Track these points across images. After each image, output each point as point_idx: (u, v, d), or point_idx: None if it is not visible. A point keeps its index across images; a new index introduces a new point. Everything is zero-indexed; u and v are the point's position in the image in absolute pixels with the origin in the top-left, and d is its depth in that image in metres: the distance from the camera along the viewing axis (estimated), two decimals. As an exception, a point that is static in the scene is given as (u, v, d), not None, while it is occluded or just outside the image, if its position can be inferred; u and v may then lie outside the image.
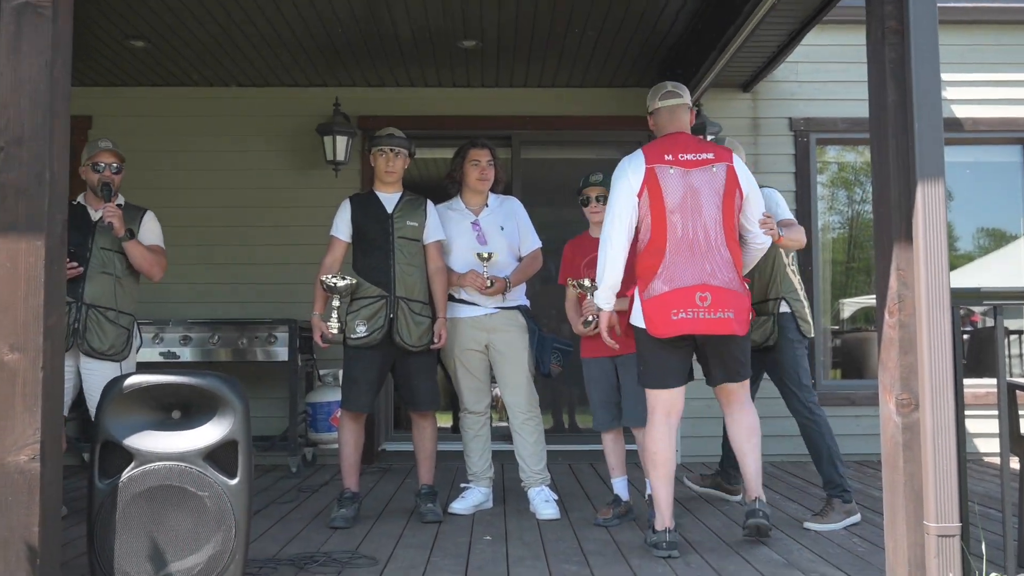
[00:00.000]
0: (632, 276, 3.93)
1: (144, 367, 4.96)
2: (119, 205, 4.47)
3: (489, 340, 4.69)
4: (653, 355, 3.88)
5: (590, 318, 4.35)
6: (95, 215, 4.42)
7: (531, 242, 4.85)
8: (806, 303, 4.64)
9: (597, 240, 4.47)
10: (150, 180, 6.43)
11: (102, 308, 4.34)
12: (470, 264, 4.67)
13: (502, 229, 4.76)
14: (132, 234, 4.39)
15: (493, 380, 4.84)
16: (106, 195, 4.36)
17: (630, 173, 3.88)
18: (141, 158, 6.49)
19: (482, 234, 4.74)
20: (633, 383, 4.33)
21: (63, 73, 2.92)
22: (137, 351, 4.58)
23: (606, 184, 4.45)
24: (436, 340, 4.53)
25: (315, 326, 4.50)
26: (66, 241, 3.05)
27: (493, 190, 4.84)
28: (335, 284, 4.41)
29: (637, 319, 3.87)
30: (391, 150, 4.60)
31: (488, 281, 4.59)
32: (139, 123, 6.55)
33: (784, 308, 4.56)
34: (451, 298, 4.74)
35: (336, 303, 4.45)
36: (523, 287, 4.84)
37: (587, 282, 4.35)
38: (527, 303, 4.85)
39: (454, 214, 4.79)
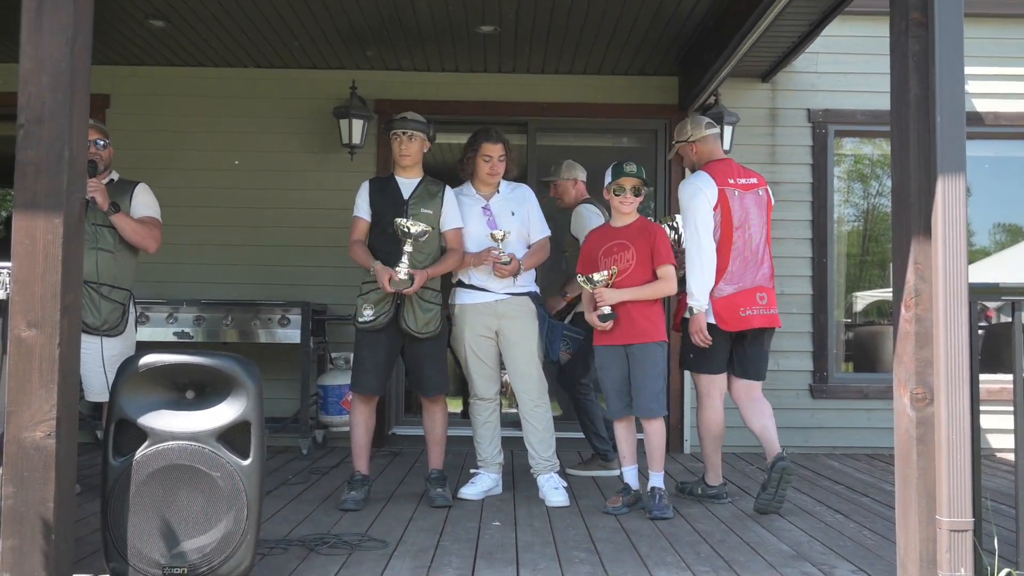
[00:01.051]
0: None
1: (157, 347, 4.98)
2: (111, 180, 4.47)
3: (499, 326, 4.69)
4: (714, 346, 4.50)
5: (607, 310, 4.35)
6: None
7: (540, 230, 4.83)
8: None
9: (619, 230, 4.49)
10: (167, 160, 6.46)
11: (94, 284, 4.29)
12: (483, 247, 4.66)
13: (513, 214, 4.75)
14: (117, 208, 4.34)
15: (503, 366, 4.85)
16: (91, 171, 4.34)
17: (708, 192, 4.52)
18: (159, 137, 6.53)
19: (493, 218, 4.73)
20: (643, 375, 4.35)
21: (84, 51, 2.93)
22: (136, 327, 4.56)
23: (641, 175, 4.45)
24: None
25: (380, 272, 4.39)
26: (84, 219, 3.06)
27: (505, 177, 4.83)
28: (408, 229, 4.37)
29: (706, 316, 4.49)
30: (404, 133, 4.57)
31: (505, 257, 4.57)
32: (157, 102, 6.57)
33: None
34: (461, 284, 4.75)
35: (408, 248, 4.39)
36: (533, 273, 4.84)
37: (596, 276, 4.36)
38: (537, 290, 4.85)
39: (466, 199, 4.78)
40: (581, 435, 5.80)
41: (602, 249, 4.48)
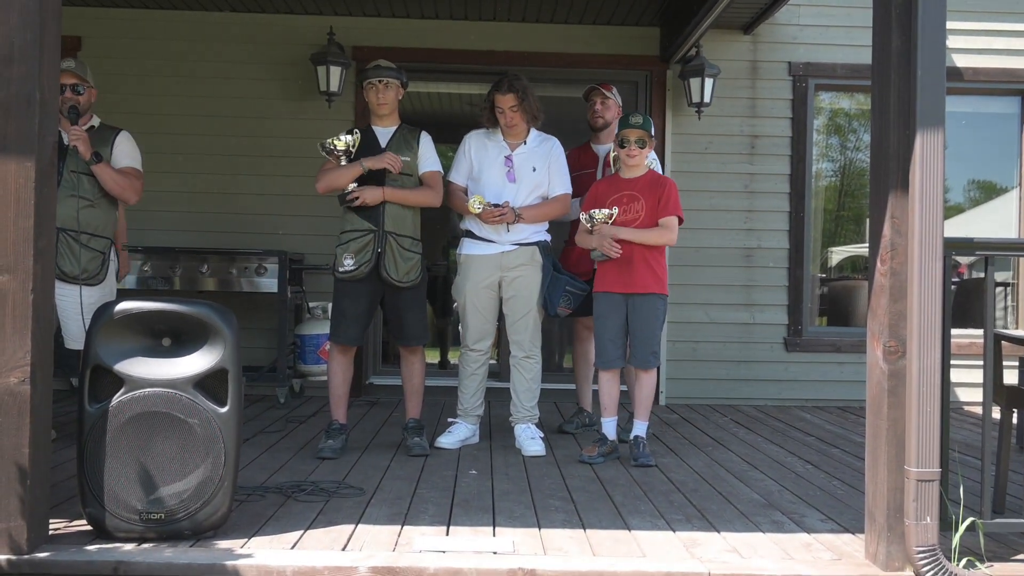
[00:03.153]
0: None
1: (132, 295, 4.94)
2: (93, 127, 4.40)
3: (503, 277, 4.69)
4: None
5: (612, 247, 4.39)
6: (65, 138, 4.25)
7: (559, 186, 4.76)
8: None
9: (629, 182, 4.51)
10: (142, 105, 6.35)
11: (72, 232, 4.26)
12: (498, 194, 4.63)
13: (534, 170, 4.70)
14: (99, 157, 4.29)
15: (500, 321, 4.85)
16: (72, 118, 4.27)
17: None
18: (131, 81, 6.40)
19: (513, 171, 4.69)
20: (644, 325, 4.40)
21: (53, -10, 2.85)
22: (117, 275, 4.53)
23: (647, 127, 4.44)
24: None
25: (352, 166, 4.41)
26: (56, 162, 3.01)
27: (534, 125, 4.75)
28: (334, 147, 4.36)
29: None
30: (380, 82, 4.51)
31: (499, 209, 4.54)
32: (130, 45, 6.43)
33: None
34: (470, 234, 4.74)
35: (343, 161, 4.39)
36: (545, 223, 4.80)
37: (598, 215, 4.39)
38: (547, 239, 4.80)
39: (491, 144, 4.75)
40: (558, 387, 5.86)
41: (611, 198, 4.50)
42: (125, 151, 4.46)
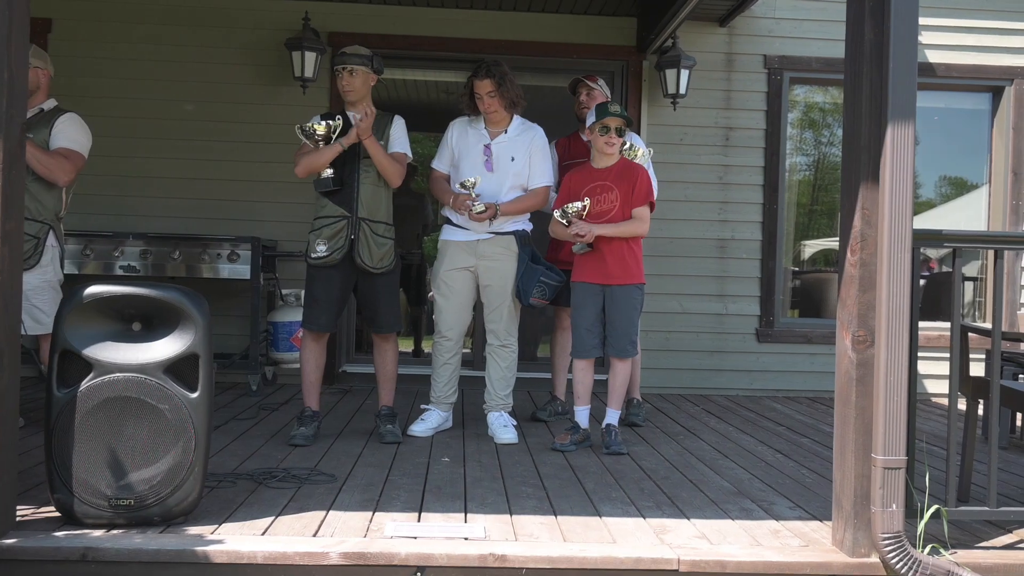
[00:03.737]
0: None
1: (103, 280, 4.89)
2: (42, 109, 4.32)
3: (477, 264, 4.69)
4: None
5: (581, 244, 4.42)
6: None
7: (540, 178, 4.75)
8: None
9: (601, 171, 4.52)
10: (113, 88, 6.27)
11: None
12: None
13: (512, 160, 4.68)
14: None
15: (474, 310, 4.86)
16: None
17: None
18: (104, 65, 6.32)
19: (491, 160, 4.68)
20: (620, 315, 4.43)
21: (22, -31, 2.81)
22: (60, 261, 4.40)
23: (625, 116, 4.49)
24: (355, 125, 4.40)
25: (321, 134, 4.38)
26: (25, 144, 2.97)
27: (514, 112, 4.73)
28: (313, 131, 4.33)
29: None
30: (345, 69, 4.46)
31: (474, 203, 4.54)
32: (100, 28, 6.35)
33: None
34: (448, 221, 4.75)
35: (321, 144, 4.38)
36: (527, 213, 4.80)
37: (570, 208, 4.40)
38: (527, 228, 4.78)
39: (473, 131, 4.75)
40: (531, 375, 5.86)
41: (585, 189, 4.51)
42: (62, 131, 4.33)
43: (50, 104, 4.43)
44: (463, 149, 4.72)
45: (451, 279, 4.70)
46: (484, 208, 4.56)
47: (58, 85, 4.59)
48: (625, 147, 4.70)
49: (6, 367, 2.85)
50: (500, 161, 4.68)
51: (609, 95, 5.25)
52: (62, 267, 4.47)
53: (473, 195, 4.57)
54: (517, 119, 4.76)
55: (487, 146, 4.70)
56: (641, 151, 4.87)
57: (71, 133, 4.35)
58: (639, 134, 6.40)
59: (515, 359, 4.78)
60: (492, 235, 4.67)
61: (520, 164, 4.70)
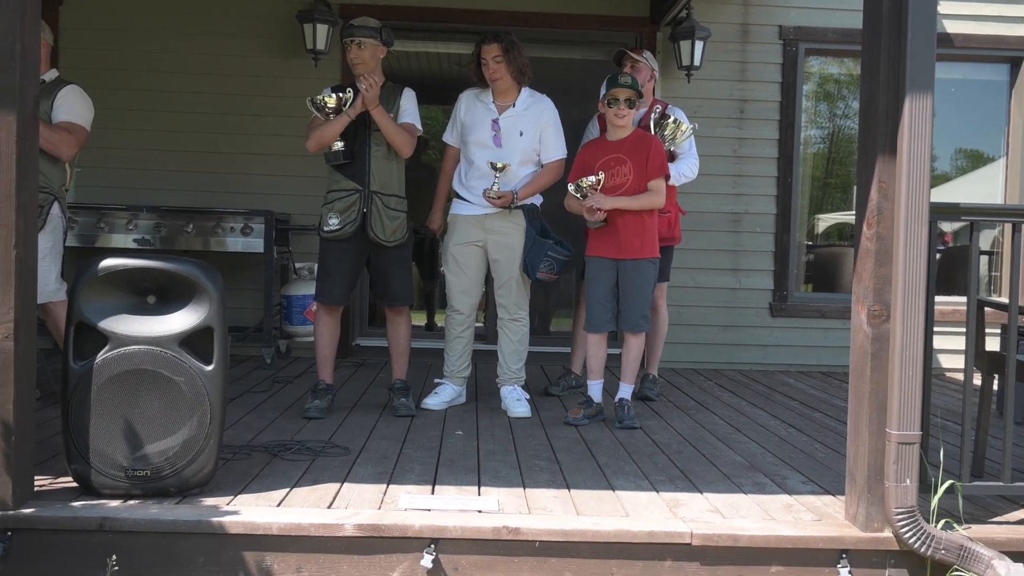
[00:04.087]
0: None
1: (117, 254, 4.90)
2: (44, 80, 4.27)
3: (486, 239, 4.68)
4: None
5: (599, 216, 4.39)
6: None
7: (554, 151, 4.72)
8: None
9: (615, 144, 4.49)
10: (125, 61, 6.26)
11: None
12: (482, 159, 4.60)
13: (521, 135, 4.64)
14: None
15: (486, 283, 4.85)
16: None
17: None
18: (116, 37, 6.30)
19: (499, 135, 4.64)
20: (634, 290, 4.42)
21: (34, -60, 2.80)
22: (62, 233, 4.33)
23: (636, 87, 4.44)
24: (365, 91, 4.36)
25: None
26: (38, 116, 2.97)
27: (522, 83, 4.69)
28: (324, 104, 4.31)
29: None
30: (353, 41, 4.43)
31: (494, 193, 4.53)
32: (111, 2, 6.31)
33: None
34: (458, 195, 4.74)
35: (331, 118, 4.36)
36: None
37: (584, 182, 4.37)
38: (537, 202, 4.75)
39: (481, 105, 4.71)
40: (544, 349, 5.85)
41: (599, 162, 4.48)
42: (64, 104, 4.26)
43: (51, 75, 4.38)
44: (471, 122, 4.69)
45: (460, 254, 4.70)
46: (498, 195, 4.54)
47: (69, 57, 4.57)
48: (670, 121, 4.69)
49: (23, 338, 2.87)
50: (508, 136, 4.65)
51: (656, 67, 5.17)
52: (64, 240, 4.41)
53: (496, 176, 4.53)
54: (526, 91, 4.72)
55: (495, 121, 4.67)
56: (685, 126, 4.83)
57: (73, 106, 4.29)
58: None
59: (526, 332, 4.78)
60: (501, 209, 4.65)
61: (528, 139, 4.66)
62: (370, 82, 4.34)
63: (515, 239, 4.67)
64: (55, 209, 4.30)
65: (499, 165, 4.52)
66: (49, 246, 4.26)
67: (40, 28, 3.10)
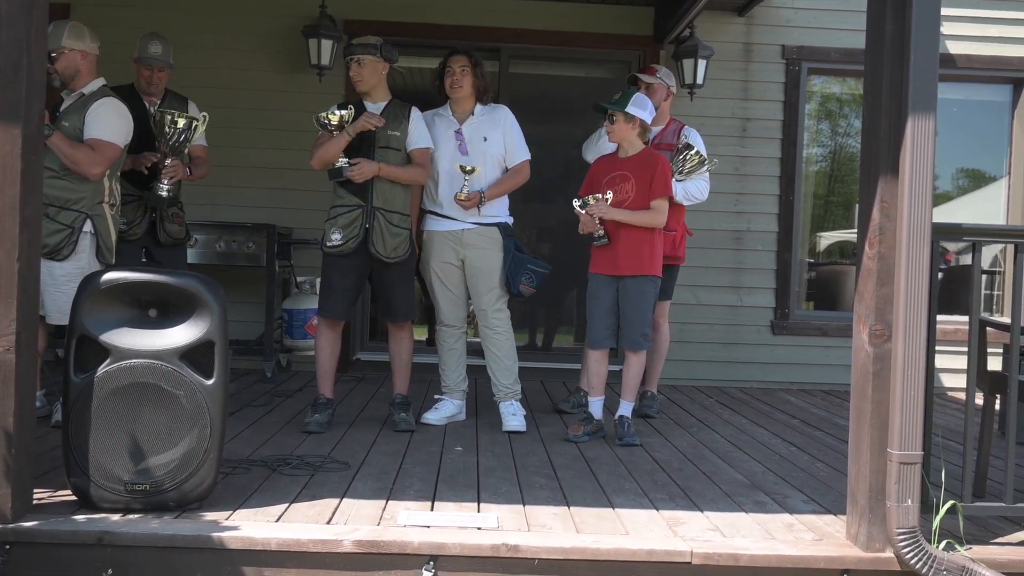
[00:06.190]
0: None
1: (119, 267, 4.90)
2: (82, 93, 4.23)
3: (464, 255, 4.68)
4: None
5: (600, 232, 4.43)
6: None
7: (518, 154, 4.76)
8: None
9: (623, 160, 4.56)
10: (130, 75, 6.26)
11: None
12: (452, 172, 4.62)
13: (485, 140, 4.69)
14: (50, 130, 3.96)
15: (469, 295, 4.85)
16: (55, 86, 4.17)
17: None
18: (120, 51, 6.30)
19: (464, 144, 4.68)
20: (634, 307, 4.43)
21: (41, -45, 2.82)
22: (102, 250, 4.21)
23: (618, 106, 4.47)
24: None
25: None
26: (43, 131, 2.98)
27: (481, 101, 4.75)
28: (328, 121, 4.33)
29: None
30: (353, 59, 4.47)
31: (463, 193, 4.55)
32: (118, 13, 6.34)
33: None
34: (431, 210, 4.73)
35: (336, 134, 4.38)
36: (505, 203, 4.79)
37: (591, 200, 4.41)
38: (509, 220, 4.81)
39: (440, 120, 4.74)
40: (545, 366, 5.83)
41: (606, 178, 4.52)
42: (94, 120, 4.16)
43: (94, 85, 4.30)
44: (434, 137, 4.69)
45: (443, 272, 4.72)
46: (467, 196, 4.55)
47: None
48: (693, 153, 4.74)
49: (23, 350, 2.87)
50: (473, 142, 4.68)
51: (672, 84, 5.21)
52: (105, 257, 4.24)
53: (466, 178, 4.56)
54: (479, 104, 4.76)
55: (458, 131, 4.70)
56: (706, 165, 4.93)
57: (102, 122, 4.17)
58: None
59: (510, 344, 4.76)
60: (476, 225, 4.66)
61: (493, 143, 4.69)
62: (374, 124, 4.38)
63: (492, 254, 4.68)
64: (87, 227, 4.15)
65: (468, 168, 4.55)
66: (84, 264, 4.09)
67: (47, 44, 3.11)
